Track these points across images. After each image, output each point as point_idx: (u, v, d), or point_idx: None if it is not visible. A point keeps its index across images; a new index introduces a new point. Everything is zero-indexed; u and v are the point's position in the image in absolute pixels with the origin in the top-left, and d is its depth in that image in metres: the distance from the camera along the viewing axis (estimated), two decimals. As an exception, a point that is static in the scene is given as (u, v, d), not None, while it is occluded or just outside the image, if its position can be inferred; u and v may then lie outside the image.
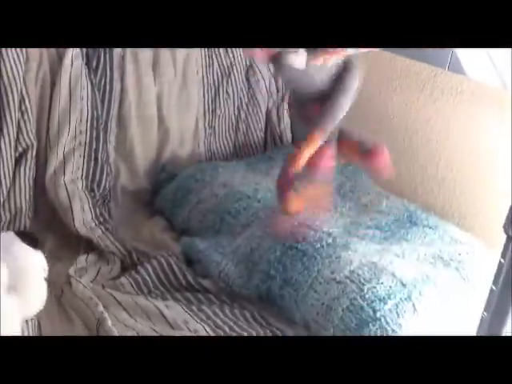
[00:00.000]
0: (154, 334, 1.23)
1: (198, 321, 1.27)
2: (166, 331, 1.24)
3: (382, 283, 1.24)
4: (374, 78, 1.75)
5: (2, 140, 1.51)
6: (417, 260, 1.34)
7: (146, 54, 1.73)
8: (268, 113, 1.96)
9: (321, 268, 1.30)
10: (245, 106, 1.90)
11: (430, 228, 1.46)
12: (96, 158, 1.62)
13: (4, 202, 1.53)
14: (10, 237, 1.14)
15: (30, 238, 1.15)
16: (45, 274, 1.15)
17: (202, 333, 1.24)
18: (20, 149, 1.55)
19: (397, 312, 1.21)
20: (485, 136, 1.57)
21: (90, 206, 1.58)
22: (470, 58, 1.57)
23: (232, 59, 1.87)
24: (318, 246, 1.34)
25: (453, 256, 1.37)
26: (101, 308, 1.27)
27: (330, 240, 1.35)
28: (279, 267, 1.33)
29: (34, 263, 1.13)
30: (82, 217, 1.55)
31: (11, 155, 1.54)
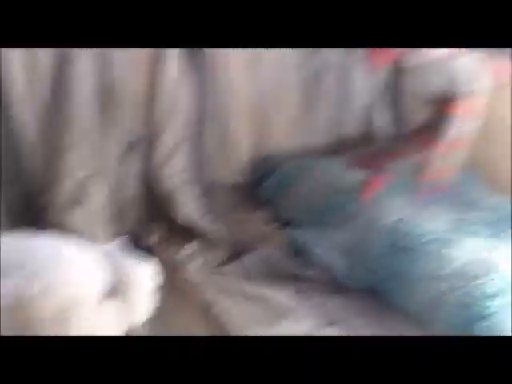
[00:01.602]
0: (259, 320, 1.27)
1: (306, 309, 1.30)
2: (272, 318, 1.27)
3: (491, 280, 1.23)
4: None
5: (114, 132, 1.57)
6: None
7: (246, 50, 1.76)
8: (367, 109, 1.98)
9: (427, 263, 1.30)
10: (345, 103, 1.92)
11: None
12: (200, 151, 1.68)
13: (113, 193, 1.58)
14: (120, 243, 1.13)
15: (143, 245, 1.13)
16: (153, 284, 1.11)
17: (310, 320, 1.27)
18: (129, 142, 1.61)
19: (506, 310, 1.20)
20: None
21: (196, 196, 1.63)
22: None
23: (331, 56, 1.89)
24: (424, 241, 1.35)
25: None
26: (209, 293, 1.32)
27: (436, 236, 1.35)
28: (384, 262, 1.34)
29: (142, 273, 1.08)
30: (188, 207, 1.60)
31: (121, 147, 1.60)
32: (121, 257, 1.07)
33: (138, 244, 1.11)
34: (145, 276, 1.08)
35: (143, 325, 1.21)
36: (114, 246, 1.11)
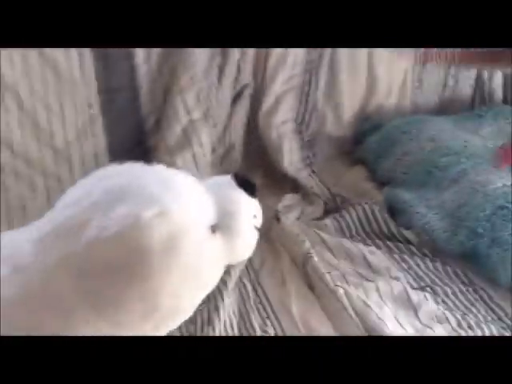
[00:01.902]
0: (357, 276, 1.27)
1: (400, 269, 1.29)
2: (369, 275, 1.28)
3: None
4: None
5: (224, 78, 1.60)
6: None
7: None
8: (478, 70, 1.89)
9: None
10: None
11: None
12: (307, 102, 1.68)
13: (220, 138, 1.62)
14: (225, 180, 1.10)
15: (248, 184, 1.09)
16: (257, 223, 1.10)
17: (403, 281, 1.26)
18: (237, 87, 1.63)
19: None
20: None
21: (299, 147, 1.64)
22: None
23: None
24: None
25: None
26: (308, 245, 1.33)
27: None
28: (488, 225, 1.29)
29: (246, 210, 1.07)
30: (291, 157, 1.62)
31: (229, 93, 1.62)
32: (227, 191, 1.07)
33: (244, 187, 1.09)
34: (250, 213, 1.08)
35: (243, 262, 1.23)
36: (221, 181, 1.10)
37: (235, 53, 1.60)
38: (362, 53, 1.74)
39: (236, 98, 1.63)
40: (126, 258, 0.88)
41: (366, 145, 1.70)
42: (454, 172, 1.46)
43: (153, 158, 1.55)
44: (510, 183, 1.37)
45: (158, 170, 1.02)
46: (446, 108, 1.86)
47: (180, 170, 1.05)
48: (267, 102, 1.64)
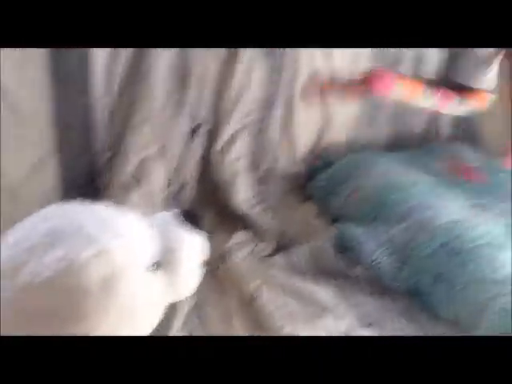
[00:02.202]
0: (305, 314, 1.28)
1: (348, 306, 1.30)
2: (317, 313, 1.28)
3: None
4: None
5: (179, 115, 1.61)
6: None
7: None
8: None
9: (477, 267, 1.28)
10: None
11: None
12: (261, 139, 1.70)
13: (174, 174, 1.63)
14: (171, 215, 1.07)
15: (194, 220, 1.07)
16: (202, 259, 1.08)
17: (351, 318, 1.27)
18: (193, 124, 1.64)
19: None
20: None
21: (252, 184, 1.66)
22: None
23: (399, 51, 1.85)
24: (475, 244, 1.32)
25: None
26: (255, 283, 1.33)
27: (488, 239, 1.32)
28: (432, 263, 1.32)
29: (190, 246, 1.04)
30: (243, 194, 1.63)
31: (185, 130, 1.63)
32: (171, 227, 1.05)
33: (191, 221, 1.07)
34: (194, 249, 1.06)
35: (187, 300, 1.22)
36: (165, 216, 1.08)
37: (192, 89, 1.62)
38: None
39: (191, 135, 1.64)
40: (60, 302, 0.88)
41: (317, 182, 1.72)
42: (403, 209, 1.49)
43: (106, 194, 1.55)
44: (457, 218, 1.40)
45: (98, 210, 1.01)
46: (397, 144, 1.90)
47: (124, 208, 1.04)
48: (222, 139, 1.65)
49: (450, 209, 1.46)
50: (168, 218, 1.08)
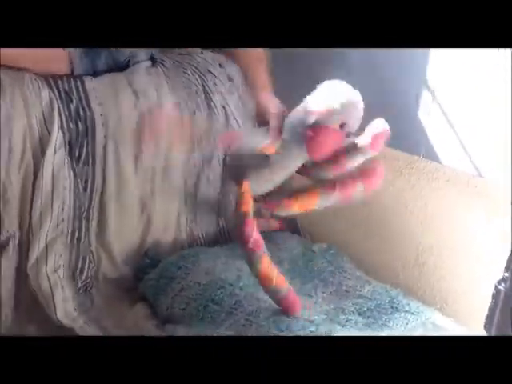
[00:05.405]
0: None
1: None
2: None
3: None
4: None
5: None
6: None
7: (126, 144, 1.75)
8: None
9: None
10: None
11: (412, 314, 1.46)
12: (78, 247, 1.63)
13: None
14: None
15: None
16: None
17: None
18: (2, 238, 1.56)
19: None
20: (461, 221, 1.61)
21: (72, 295, 1.58)
22: (445, 146, 1.64)
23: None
24: (302, 334, 1.34)
25: (435, 343, 1.37)
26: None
27: (312, 328, 1.35)
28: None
29: None
30: (64, 306, 1.55)
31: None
32: None
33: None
34: None
35: None
36: None
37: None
38: (133, 194, 1.76)
39: (0, 250, 1.55)
40: None
41: (145, 282, 1.67)
42: (229, 304, 1.49)
43: None
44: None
45: None
46: (222, 237, 1.91)
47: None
48: (35, 251, 1.57)
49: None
50: None
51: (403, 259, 1.73)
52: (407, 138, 1.69)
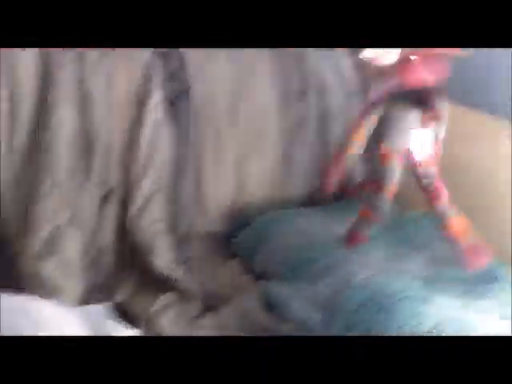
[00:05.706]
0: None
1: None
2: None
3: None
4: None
5: (89, 182, 1.58)
6: (500, 318, 1.32)
7: (221, 101, 1.77)
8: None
9: (401, 321, 1.29)
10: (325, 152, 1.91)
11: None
12: (176, 201, 1.68)
13: (89, 242, 1.58)
14: (104, 309, 1.14)
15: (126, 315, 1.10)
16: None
17: None
18: (104, 191, 1.61)
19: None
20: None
21: (172, 246, 1.62)
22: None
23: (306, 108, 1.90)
24: (398, 299, 1.34)
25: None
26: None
27: (410, 293, 1.35)
28: (358, 318, 1.33)
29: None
30: (163, 257, 1.59)
31: (96, 196, 1.60)
32: (102, 323, 1.09)
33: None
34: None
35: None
36: (95, 310, 1.11)
37: (101, 153, 1.59)
38: (228, 150, 1.78)
39: (103, 201, 1.60)
40: None
41: (239, 240, 1.71)
42: (324, 264, 1.50)
43: (18, 265, 1.49)
44: (373, 273, 1.43)
45: (24, 304, 0.99)
46: (316, 199, 1.90)
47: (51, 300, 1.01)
48: (136, 204, 1.62)
49: (371, 262, 1.50)
50: (99, 311, 1.06)
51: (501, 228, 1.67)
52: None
